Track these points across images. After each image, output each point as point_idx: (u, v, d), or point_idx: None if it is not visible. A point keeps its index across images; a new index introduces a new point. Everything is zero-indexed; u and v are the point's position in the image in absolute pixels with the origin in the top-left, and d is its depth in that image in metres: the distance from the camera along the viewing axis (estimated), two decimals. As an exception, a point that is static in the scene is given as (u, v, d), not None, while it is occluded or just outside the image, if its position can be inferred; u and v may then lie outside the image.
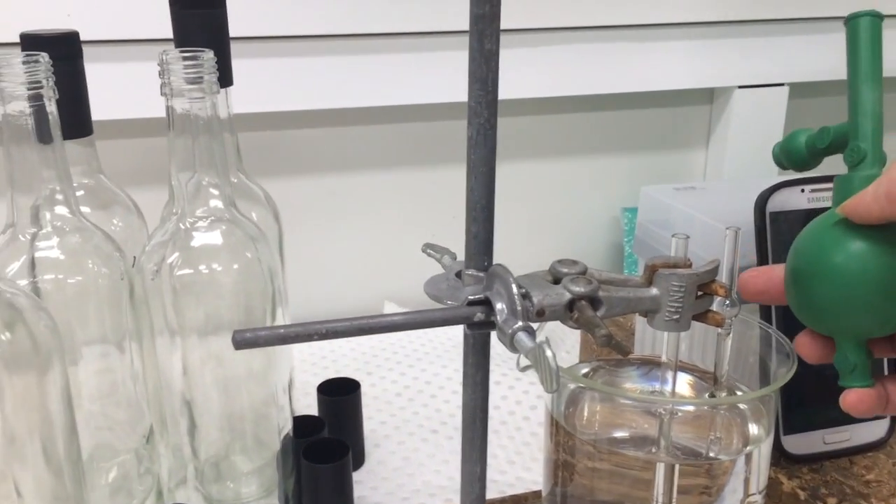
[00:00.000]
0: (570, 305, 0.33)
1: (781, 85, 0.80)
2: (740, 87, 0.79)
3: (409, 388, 0.64)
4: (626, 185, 0.82)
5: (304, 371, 0.65)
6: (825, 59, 0.80)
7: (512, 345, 0.31)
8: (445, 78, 0.70)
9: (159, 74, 0.38)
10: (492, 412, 0.61)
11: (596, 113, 0.80)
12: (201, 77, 0.38)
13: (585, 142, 0.81)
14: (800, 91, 0.82)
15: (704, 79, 0.78)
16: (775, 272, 0.35)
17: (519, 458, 0.55)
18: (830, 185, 0.40)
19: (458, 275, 0.36)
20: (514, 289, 0.31)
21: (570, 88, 0.75)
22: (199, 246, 0.40)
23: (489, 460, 0.55)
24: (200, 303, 0.41)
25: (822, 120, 0.96)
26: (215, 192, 0.41)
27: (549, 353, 0.29)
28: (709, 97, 0.82)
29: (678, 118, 0.83)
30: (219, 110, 0.41)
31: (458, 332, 0.73)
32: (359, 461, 0.54)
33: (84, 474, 0.38)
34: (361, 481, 0.52)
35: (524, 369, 0.37)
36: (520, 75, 0.73)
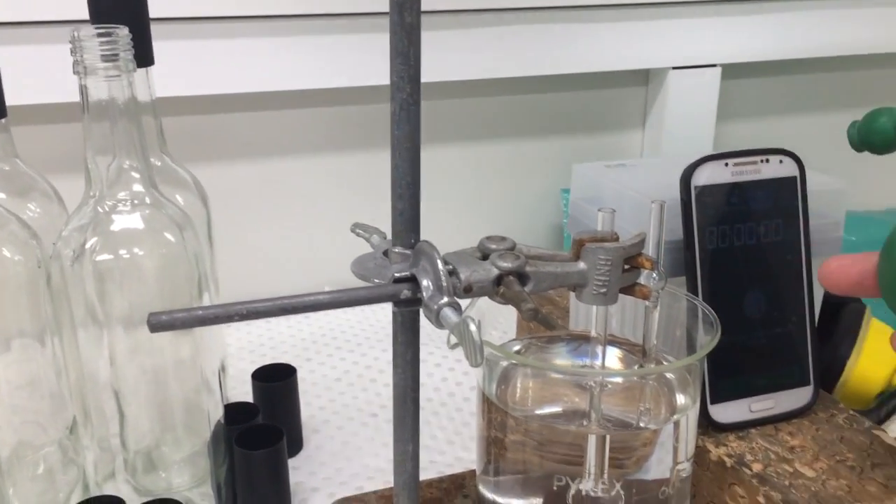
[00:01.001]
0: (498, 281, 0.33)
1: (714, 66, 0.81)
2: (674, 68, 0.80)
3: (348, 374, 0.63)
4: (565, 166, 0.82)
5: (241, 359, 0.64)
6: (757, 40, 0.81)
7: (438, 321, 0.30)
8: (375, 60, 0.69)
9: (71, 52, 0.37)
10: (431, 395, 0.60)
11: (534, 95, 0.80)
12: (116, 54, 0.37)
13: (525, 124, 0.81)
14: (732, 72, 0.83)
15: (639, 60, 0.79)
16: (869, 261, 0.32)
17: (458, 439, 0.55)
18: (752, 158, 0.41)
19: (386, 253, 0.35)
20: (440, 265, 0.31)
21: (506, 70, 0.75)
22: (119, 230, 0.39)
23: (428, 442, 0.55)
24: (123, 290, 0.40)
25: (754, 101, 0.98)
26: (136, 175, 0.40)
27: (472, 327, 0.28)
28: (644, 79, 0.83)
29: (615, 99, 0.83)
30: (137, 90, 0.39)
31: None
32: (296, 447, 0.53)
33: (4, 468, 0.37)
34: (299, 467, 0.51)
35: (454, 347, 0.36)
36: (455, 57, 0.73)
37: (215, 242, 0.54)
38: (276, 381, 0.51)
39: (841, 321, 0.56)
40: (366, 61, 0.69)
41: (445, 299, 0.30)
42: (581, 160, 0.84)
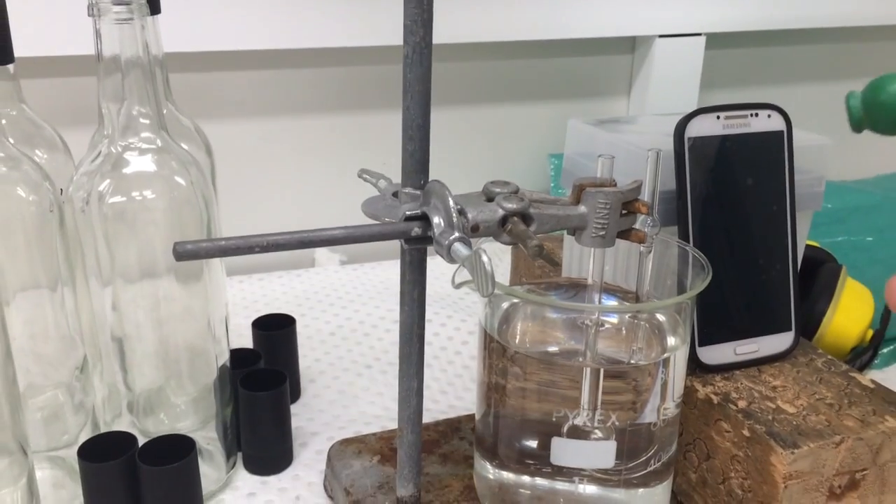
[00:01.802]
0: (503, 221, 0.34)
1: (699, 35, 0.83)
2: (660, 36, 0.81)
3: (342, 328, 0.65)
4: (553, 132, 0.84)
5: (237, 314, 0.66)
6: (740, 9, 0.83)
7: (449, 255, 0.32)
8: (378, 21, 0.70)
9: (86, -6, 0.37)
10: (425, 347, 0.62)
11: (522, 60, 0.81)
12: (130, -3, 0.37)
13: (512, 89, 0.82)
14: (716, 41, 0.85)
15: (626, 27, 0.80)
16: None
17: (451, 388, 0.57)
18: (743, 112, 0.42)
19: (395, 195, 0.37)
20: (451, 202, 0.33)
21: (493, 35, 0.76)
22: (131, 173, 0.40)
23: (423, 391, 0.57)
24: (135, 233, 0.41)
25: (736, 70, 1.00)
26: (146, 121, 0.41)
27: (484, 258, 0.30)
28: (630, 46, 0.85)
29: (602, 66, 0.85)
30: (148, 36, 0.40)
31: (389, 273, 0.74)
32: (295, 395, 0.55)
33: (21, 406, 0.38)
34: (298, 414, 0.53)
35: (459, 286, 0.38)
36: (442, 21, 0.73)
37: (220, 196, 0.55)
38: (276, 329, 0.53)
39: (819, 279, 0.59)
40: (371, 21, 0.70)
41: (456, 234, 0.32)
42: (568, 126, 0.86)
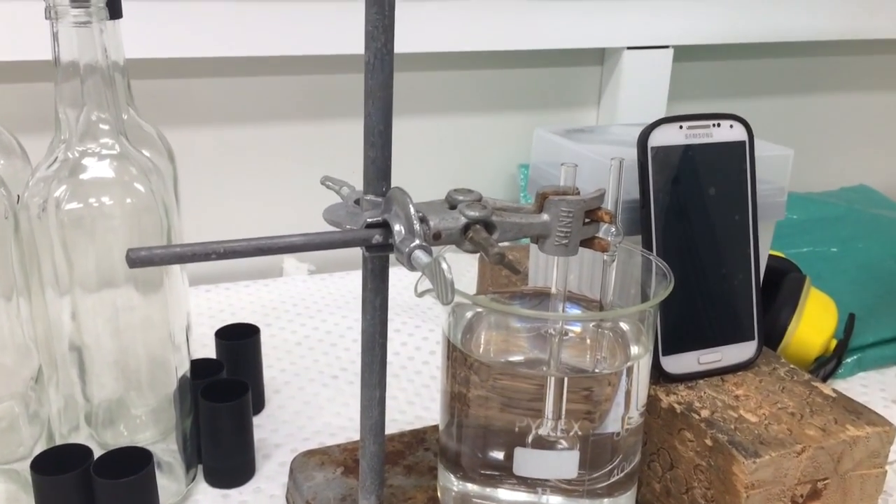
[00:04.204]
0: (466, 229, 0.34)
1: (666, 47, 0.84)
2: (629, 48, 0.82)
3: (309, 338, 0.64)
4: (523, 142, 0.84)
5: (202, 324, 0.65)
6: (708, 23, 0.84)
7: (409, 263, 0.32)
8: (345, 29, 0.70)
9: (43, -2, 0.37)
10: (392, 357, 0.62)
11: (492, 70, 0.82)
12: (88, 0, 0.37)
13: (482, 99, 0.82)
14: (683, 54, 0.86)
15: (595, 39, 0.81)
16: None
17: (418, 399, 0.56)
18: (705, 122, 0.43)
19: (358, 202, 0.36)
20: (412, 210, 0.32)
21: (463, 45, 0.76)
22: (88, 179, 0.39)
23: (389, 402, 0.56)
24: (91, 240, 0.40)
25: (703, 83, 1.01)
26: (105, 127, 0.40)
27: (444, 265, 0.30)
28: (599, 58, 0.85)
29: (571, 77, 0.85)
30: (107, 41, 0.39)
31: (358, 283, 0.74)
32: (258, 406, 0.54)
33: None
34: (261, 425, 0.52)
35: (422, 294, 0.38)
36: (411, 30, 0.73)
37: (183, 204, 0.55)
38: (240, 339, 0.52)
39: (782, 289, 0.59)
40: (337, 29, 0.70)
41: (417, 242, 0.32)
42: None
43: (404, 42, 0.75)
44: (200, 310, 0.67)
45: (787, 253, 0.69)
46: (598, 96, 0.87)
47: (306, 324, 0.66)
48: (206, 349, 0.58)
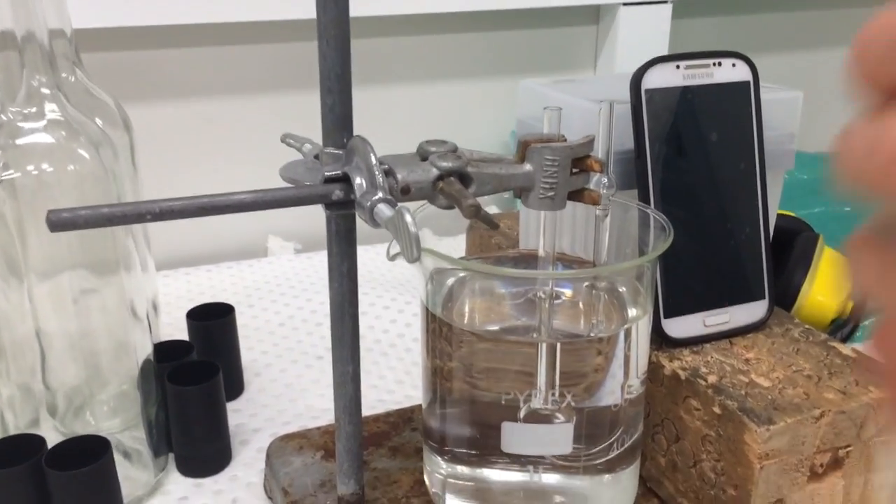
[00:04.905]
0: (438, 181, 0.31)
1: (665, 2, 0.79)
2: (625, 4, 0.78)
3: (292, 318, 0.61)
4: (514, 108, 0.80)
5: (181, 308, 0.61)
6: (706, -25, 0.80)
7: (372, 219, 0.28)
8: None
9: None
10: (380, 336, 0.58)
11: (481, 33, 0.78)
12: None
13: (473, 64, 0.79)
14: (683, 9, 0.81)
15: (589, -5, 0.77)
16: None
17: (408, 378, 0.53)
18: (705, 61, 0.39)
19: (318, 157, 0.33)
20: (373, 159, 0.29)
21: (452, 5, 0.72)
22: (25, 144, 0.36)
23: (377, 381, 0.53)
24: (37, 214, 0.37)
25: (705, 40, 0.97)
26: (46, 91, 0.37)
27: (408, 217, 0.26)
28: (594, 16, 0.81)
29: (565, 38, 0.81)
30: (46, 6, 0.36)
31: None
32: (237, 390, 0.51)
33: None
34: (240, 409, 0.49)
35: (393, 257, 0.34)
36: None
37: (145, 182, 0.51)
38: (213, 319, 0.49)
39: (794, 249, 0.55)
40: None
41: (380, 195, 0.28)
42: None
43: (385, 4, 0.71)
44: (179, 293, 0.64)
45: (799, 213, 0.65)
46: (594, 57, 0.83)
47: (290, 304, 0.63)
48: (183, 333, 0.55)
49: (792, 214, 0.61)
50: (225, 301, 0.61)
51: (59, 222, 0.25)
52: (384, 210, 0.27)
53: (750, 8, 0.88)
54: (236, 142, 0.72)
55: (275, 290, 0.65)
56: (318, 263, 0.70)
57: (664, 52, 0.81)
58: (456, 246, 0.54)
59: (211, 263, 0.70)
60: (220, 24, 0.67)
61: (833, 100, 0.98)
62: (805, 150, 0.59)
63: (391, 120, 0.76)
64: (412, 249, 0.26)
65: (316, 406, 0.50)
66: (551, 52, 0.81)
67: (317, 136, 0.76)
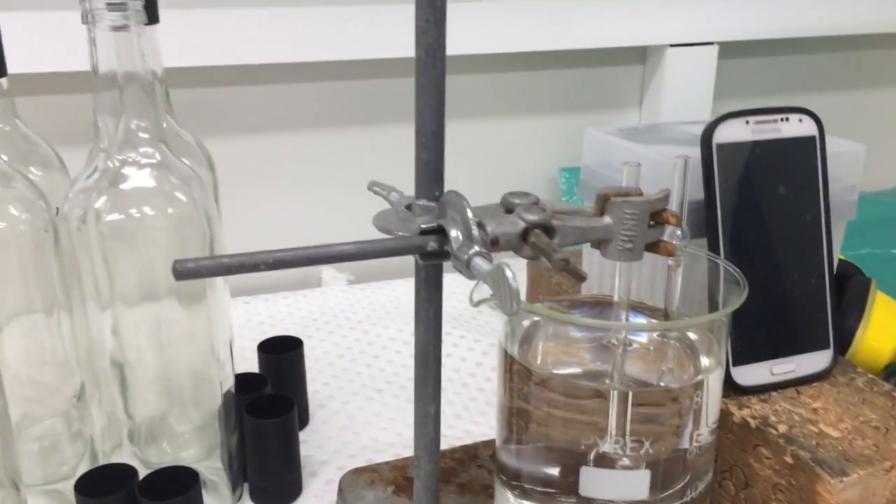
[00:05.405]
0: (525, 234, 0.32)
1: (711, 44, 0.81)
2: (672, 45, 0.79)
3: (351, 350, 0.62)
4: (563, 145, 0.82)
5: (242, 336, 0.63)
6: (754, 18, 0.81)
7: (469, 270, 0.30)
8: (387, 32, 0.68)
9: (80, 0, 0.36)
10: (437, 370, 0.60)
11: (531, 72, 0.80)
12: (125, 3, 0.35)
13: (521, 102, 0.80)
14: (729, 51, 0.83)
15: (637, 37, 0.78)
16: None
17: (466, 413, 0.54)
18: (773, 117, 0.40)
19: (409, 207, 0.35)
20: (470, 214, 0.30)
21: (503, 46, 0.74)
22: (129, 188, 0.38)
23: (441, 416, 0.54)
24: (133, 252, 0.39)
25: (751, 81, 0.98)
26: (145, 135, 0.39)
27: (508, 273, 0.28)
28: (641, 56, 0.83)
29: (612, 78, 0.83)
30: (145, 47, 0.38)
31: (399, 293, 0.72)
32: (303, 421, 0.52)
33: (13, 437, 0.35)
34: (307, 441, 0.50)
35: (478, 304, 0.36)
36: (451, 32, 0.72)
37: (223, 214, 0.53)
38: (283, 353, 0.50)
39: (847, 293, 0.56)
40: (376, 33, 0.68)
41: (476, 248, 0.30)
42: (580, 139, 0.84)
43: (447, 43, 0.73)
44: (240, 322, 0.66)
45: (846, 255, 0.65)
46: (641, 96, 0.85)
47: (348, 335, 0.64)
48: (248, 362, 0.57)
49: (843, 258, 0.62)
50: (284, 331, 0.63)
51: (184, 272, 0.27)
52: (482, 264, 0.29)
53: (795, 49, 0.89)
54: (297, 176, 0.74)
55: (331, 322, 0.66)
56: (371, 295, 0.72)
57: (710, 92, 0.82)
58: (514, 263, 0.56)
59: (268, 293, 0.72)
60: (280, 65, 0.69)
61: (876, 141, 0.99)
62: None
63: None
64: (512, 304, 0.27)
65: (380, 439, 0.51)
66: (598, 91, 0.83)
67: (384, 165, 0.79)
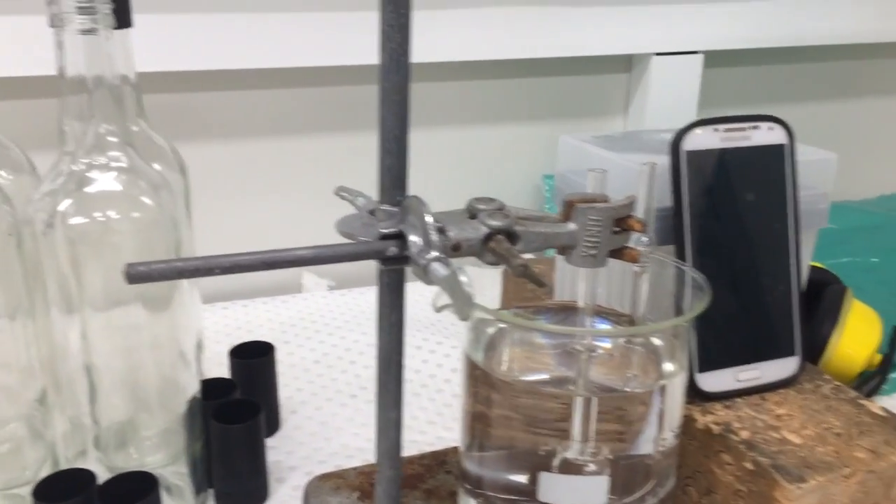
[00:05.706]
0: (487, 239, 0.32)
1: (696, 53, 0.81)
2: (657, 54, 0.80)
3: (327, 356, 0.62)
4: (548, 152, 0.82)
5: (219, 342, 0.63)
6: (739, 27, 0.81)
7: (426, 276, 0.30)
8: (358, 39, 0.68)
9: (47, 3, 0.35)
10: (412, 375, 0.60)
11: (516, 80, 0.80)
12: (94, 7, 0.35)
13: (506, 109, 0.80)
14: (714, 59, 0.83)
15: (622, 45, 0.78)
16: None
17: (440, 419, 0.54)
18: (743, 125, 0.40)
19: (373, 213, 0.34)
20: (428, 220, 0.30)
21: (488, 53, 0.74)
22: (94, 192, 0.38)
23: (409, 422, 0.54)
24: (97, 257, 0.39)
25: (736, 90, 0.98)
26: (113, 139, 0.39)
27: (463, 278, 0.28)
28: (627, 65, 0.83)
29: (597, 85, 0.83)
30: (116, 52, 0.38)
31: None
32: (274, 427, 0.52)
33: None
34: (276, 447, 0.50)
35: (440, 309, 0.36)
36: (435, 39, 0.72)
37: (195, 221, 0.53)
38: (254, 358, 0.50)
39: (823, 300, 0.56)
40: (350, 40, 0.68)
41: (434, 254, 0.30)
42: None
43: (424, 51, 0.73)
44: (217, 328, 0.66)
45: (827, 264, 0.65)
46: (626, 104, 0.85)
47: (325, 341, 0.64)
48: (222, 367, 0.56)
49: (820, 266, 0.62)
50: (261, 337, 0.63)
51: (136, 275, 0.27)
52: (439, 269, 0.29)
53: (780, 59, 0.89)
54: (272, 181, 0.74)
55: (309, 328, 0.66)
56: (352, 301, 0.72)
57: (695, 100, 0.83)
58: (492, 278, 0.56)
59: (246, 298, 0.71)
60: (255, 70, 0.69)
61: (860, 151, 0.99)
62: (832, 200, 0.60)
63: (423, 164, 0.78)
64: (465, 308, 0.27)
65: (351, 445, 0.51)
66: (583, 99, 0.83)
67: (357, 171, 0.79)
